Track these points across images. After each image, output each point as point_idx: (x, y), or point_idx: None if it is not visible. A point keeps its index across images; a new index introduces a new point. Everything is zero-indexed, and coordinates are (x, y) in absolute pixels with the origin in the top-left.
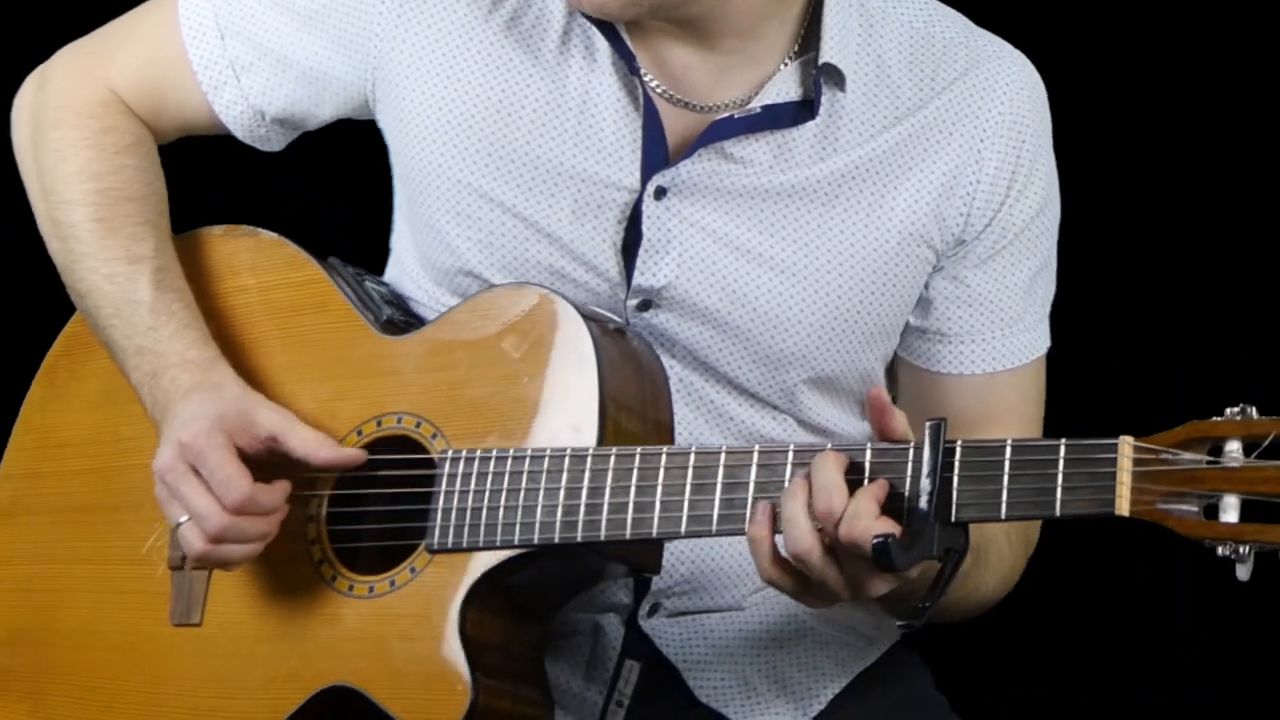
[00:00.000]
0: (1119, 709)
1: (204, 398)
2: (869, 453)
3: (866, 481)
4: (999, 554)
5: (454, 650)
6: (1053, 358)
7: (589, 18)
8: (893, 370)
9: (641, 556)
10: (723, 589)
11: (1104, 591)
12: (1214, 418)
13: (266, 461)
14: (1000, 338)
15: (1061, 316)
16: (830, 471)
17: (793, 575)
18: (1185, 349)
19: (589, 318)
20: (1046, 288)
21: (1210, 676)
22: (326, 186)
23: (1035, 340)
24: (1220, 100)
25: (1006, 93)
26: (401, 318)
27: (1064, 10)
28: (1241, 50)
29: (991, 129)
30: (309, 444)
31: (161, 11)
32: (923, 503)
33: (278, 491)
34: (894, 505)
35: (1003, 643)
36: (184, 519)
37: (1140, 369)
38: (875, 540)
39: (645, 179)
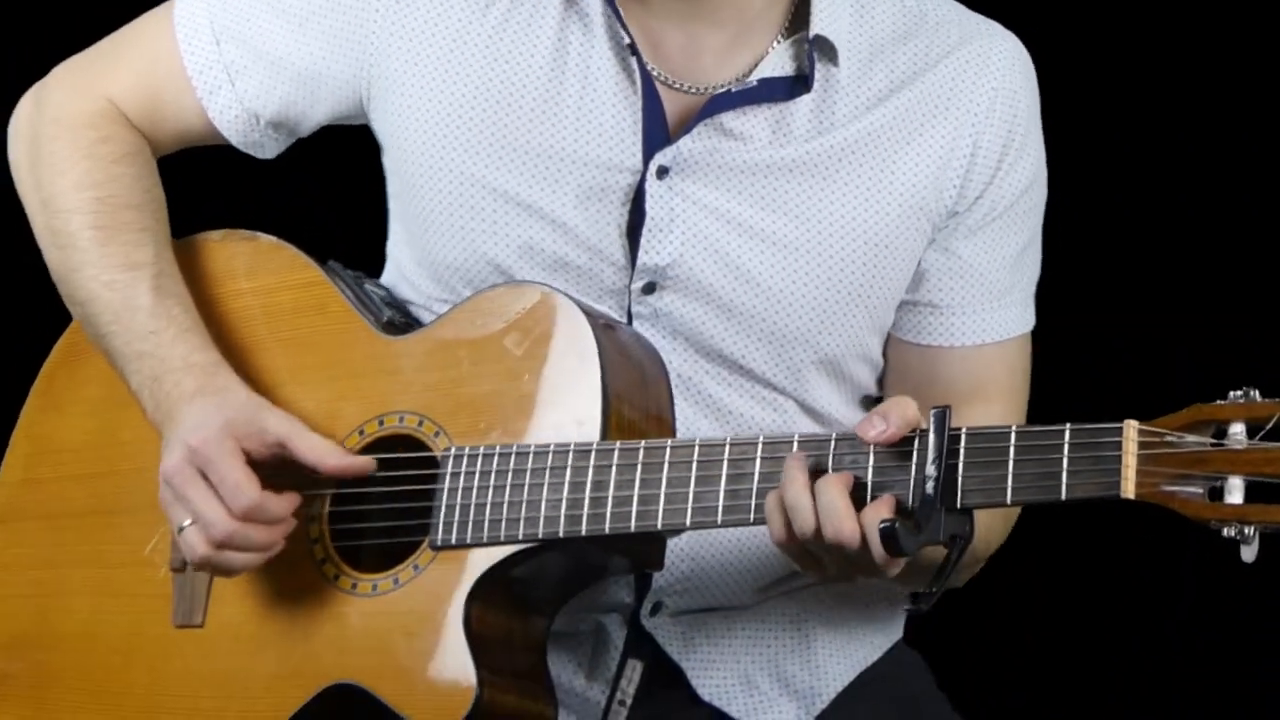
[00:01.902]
0: (1119, 709)
1: (211, 402)
2: (872, 454)
3: (870, 489)
4: None
5: (459, 647)
6: (1053, 339)
7: None
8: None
9: (644, 552)
10: (725, 586)
11: (1106, 592)
12: (1218, 401)
13: (274, 467)
14: (989, 310)
15: (1060, 298)
16: (835, 497)
17: (806, 552)
18: (1186, 328)
19: (589, 314)
20: (1033, 266)
21: (1213, 680)
22: (322, 193)
23: (1022, 316)
24: (1219, 86)
25: (1000, 67)
26: (401, 319)
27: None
28: (1236, 34)
29: (986, 101)
30: (318, 450)
31: (158, 22)
32: (929, 488)
33: (286, 502)
34: (901, 507)
35: (1003, 642)
36: (188, 523)
37: (1141, 349)
38: (883, 524)
39: (647, 159)
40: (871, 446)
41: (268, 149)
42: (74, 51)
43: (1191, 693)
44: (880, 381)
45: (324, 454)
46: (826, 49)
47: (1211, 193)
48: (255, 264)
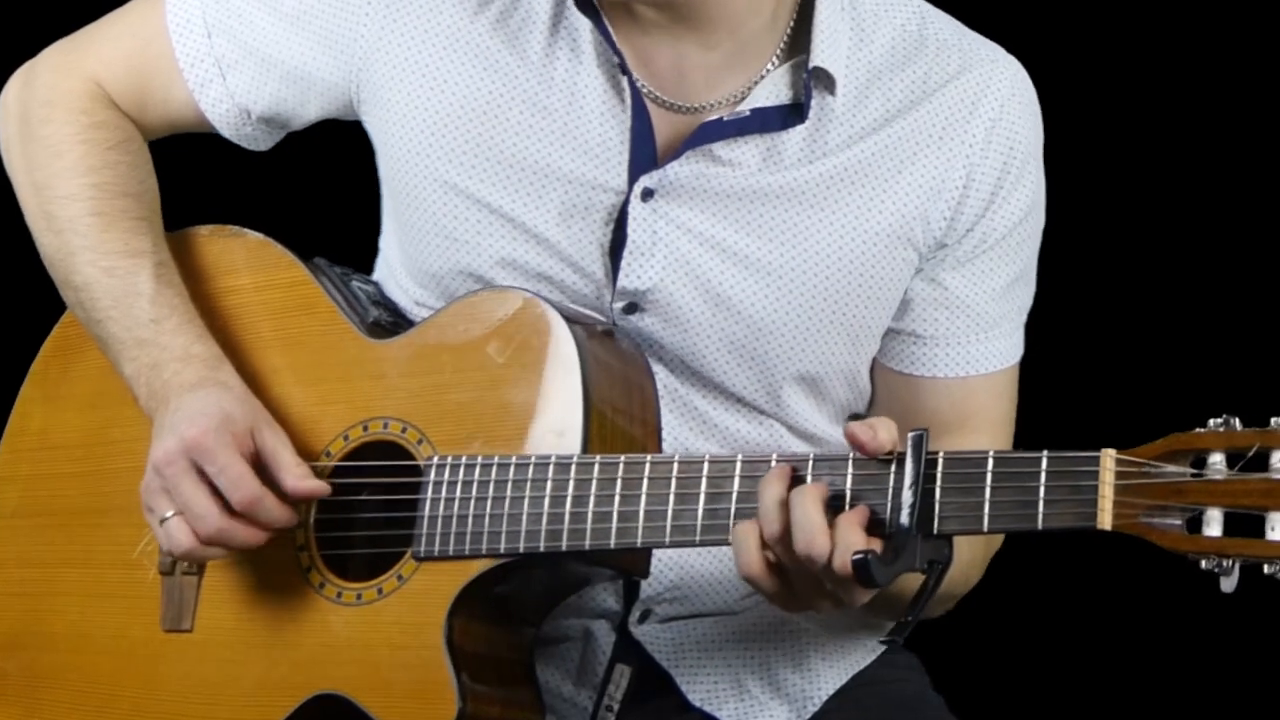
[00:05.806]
0: (1114, 708)
1: (211, 394)
2: (850, 477)
3: (848, 504)
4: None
5: (441, 660)
6: (1026, 361)
7: (581, 7)
8: (869, 371)
9: (629, 561)
10: (712, 594)
11: (1099, 590)
12: (1197, 429)
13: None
14: (976, 342)
15: (1034, 321)
16: (810, 510)
17: (774, 574)
18: (1159, 351)
19: (574, 321)
20: (1024, 296)
21: (1201, 675)
22: (312, 184)
23: (1010, 347)
24: (1199, 101)
25: (999, 97)
26: (389, 319)
27: (1033, 14)
28: (1212, 58)
29: (983, 132)
30: (284, 466)
31: (149, 8)
32: (904, 516)
33: (286, 509)
34: (876, 519)
35: (999, 642)
36: (171, 514)
37: (1114, 372)
38: (855, 556)
39: (632, 180)
40: (850, 468)
41: (260, 142)
42: (64, 34)
43: (1188, 690)
44: (869, 404)
45: (283, 469)
46: (824, 79)
47: (1186, 207)
48: (244, 261)
